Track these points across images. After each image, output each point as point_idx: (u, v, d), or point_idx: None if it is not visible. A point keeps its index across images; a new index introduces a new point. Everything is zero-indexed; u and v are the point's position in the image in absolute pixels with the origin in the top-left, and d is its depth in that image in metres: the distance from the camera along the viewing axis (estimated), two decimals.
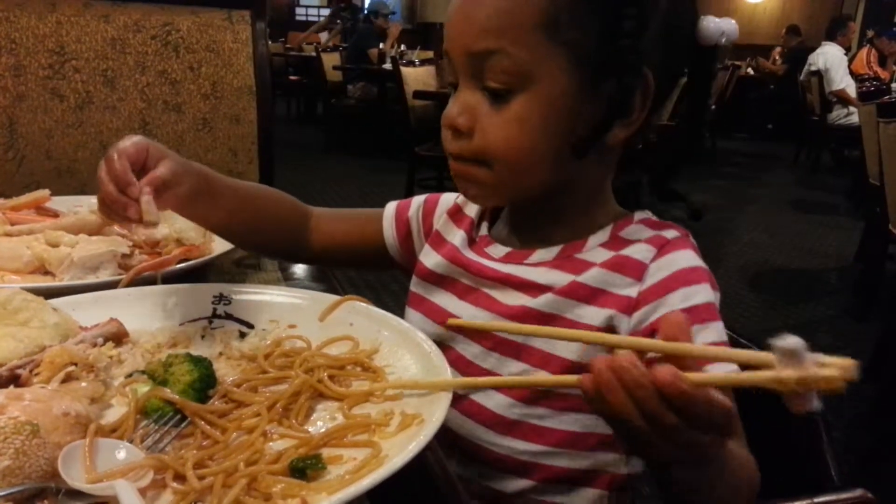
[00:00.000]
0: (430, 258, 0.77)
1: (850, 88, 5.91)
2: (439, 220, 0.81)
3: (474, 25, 0.63)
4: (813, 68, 6.45)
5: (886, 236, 2.77)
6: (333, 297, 0.72)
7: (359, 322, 0.69)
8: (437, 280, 0.76)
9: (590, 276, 0.66)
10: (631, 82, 0.62)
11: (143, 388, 0.57)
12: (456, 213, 0.80)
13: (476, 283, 0.72)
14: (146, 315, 0.70)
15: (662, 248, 0.66)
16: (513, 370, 0.67)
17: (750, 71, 8.68)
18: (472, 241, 0.76)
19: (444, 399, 0.53)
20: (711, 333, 0.62)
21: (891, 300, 3.13)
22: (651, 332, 0.63)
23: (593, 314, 0.65)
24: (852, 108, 5.78)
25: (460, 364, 0.70)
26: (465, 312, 0.71)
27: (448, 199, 0.83)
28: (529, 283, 0.69)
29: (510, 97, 0.63)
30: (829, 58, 6.26)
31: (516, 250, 0.72)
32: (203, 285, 0.74)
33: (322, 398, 0.58)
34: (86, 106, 1.42)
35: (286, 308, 0.72)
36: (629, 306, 0.64)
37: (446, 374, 0.58)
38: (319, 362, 0.61)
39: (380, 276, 3.61)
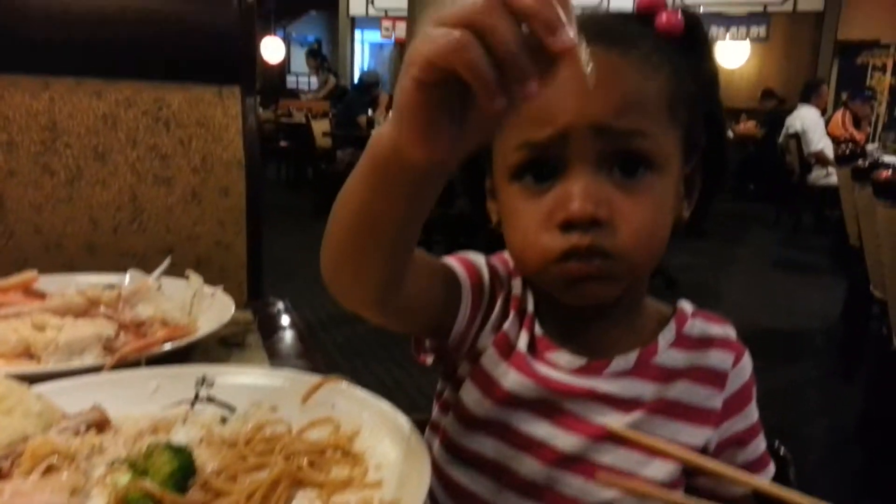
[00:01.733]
0: (507, 376, 0.66)
1: (828, 149, 6.06)
2: (501, 309, 0.68)
3: (611, 101, 0.57)
4: (791, 130, 6.63)
5: (868, 297, 2.81)
6: (316, 378, 0.73)
7: (340, 404, 0.70)
8: (517, 402, 0.66)
9: (678, 391, 0.67)
10: (700, 162, 0.66)
11: (124, 479, 0.57)
12: (517, 306, 0.68)
13: (554, 399, 0.65)
14: (129, 399, 0.70)
15: (738, 354, 0.70)
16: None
17: (730, 133, 8.89)
18: (532, 345, 0.67)
19: (423, 487, 0.54)
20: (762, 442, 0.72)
21: (875, 361, 3.15)
22: (736, 441, 0.69)
23: (691, 434, 0.66)
24: (831, 169, 5.92)
25: (524, 484, 0.66)
26: (557, 436, 0.65)
27: (504, 273, 0.70)
28: (615, 399, 0.65)
29: (641, 180, 0.59)
30: (807, 120, 6.44)
31: (592, 361, 0.66)
32: (186, 367, 0.75)
33: (302, 485, 0.59)
34: (76, 181, 1.45)
35: (268, 390, 0.72)
36: (718, 419, 0.68)
37: (425, 458, 0.59)
38: (299, 448, 0.61)
39: (364, 353, 3.60)
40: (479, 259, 0.70)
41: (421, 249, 0.59)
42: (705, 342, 0.70)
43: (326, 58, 8.96)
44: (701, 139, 0.65)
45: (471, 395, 0.67)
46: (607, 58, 0.59)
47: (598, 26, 0.61)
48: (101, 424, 0.66)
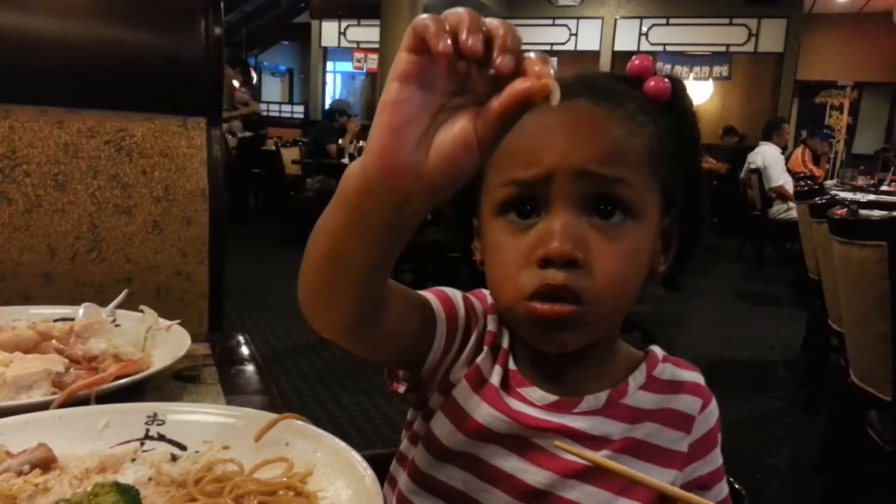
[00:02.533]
0: (478, 409, 0.67)
1: (789, 185, 6.23)
2: (475, 343, 0.69)
3: (596, 150, 0.60)
4: (752, 166, 6.80)
5: (827, 329, 2.87)
6: (270, 416, 0.72)
7: (294, 442, 0.69)
8: (488, 436, 0.67)
9: (645, 433, 0.68)
10: (677, 217, 0.68)
11: None
12: (492, 341, 0.69)
13: (524, 434, 0.67)
14: (77, 437, 0.69)
15: (706, 400, 0.72)
16: None
17: None
18: (505, 380, 0.68)
19: None
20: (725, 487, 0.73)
21: (834, 393, 3.21)
22: (699, 485, 0.71)
23: (657, 475, 0.66)
24: (791, 204, 6.08)
25: None
26: (526, 470, 0.66)
27: (480, 309, 0.71)
28: (585, 436, 0.66)
29: (619, 225, 0.61)
30: (767, 157, 6.62)
31: (563, 398, 0.67)
32: (137, 405, 0.74)
33: None
34: (34, 209, 1.42)
35: (221, 428, 0.71)
36: (683, 462, 0.69)
37: (378, 499, 0.58)
38: (250, 488, 0.60)
39: (331, 382, 3.57)
40: (455, 294, 0.71)
41: (395, 282, 0.61)
42: (675, 386, 0.71)
43: (252, 77, 8.21)
44: (678, 196, 0.67)
45: (442, 427, 0.68)
46: (595, 111, 0.62)
47: (588, 83, 0.66)
48: (46, 463, 0.64)
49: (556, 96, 0.42)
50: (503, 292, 0.65)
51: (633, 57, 0.68)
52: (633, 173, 0.62)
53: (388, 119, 0.44)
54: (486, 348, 0.69)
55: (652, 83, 0.66)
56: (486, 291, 0.72)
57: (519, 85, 0.42)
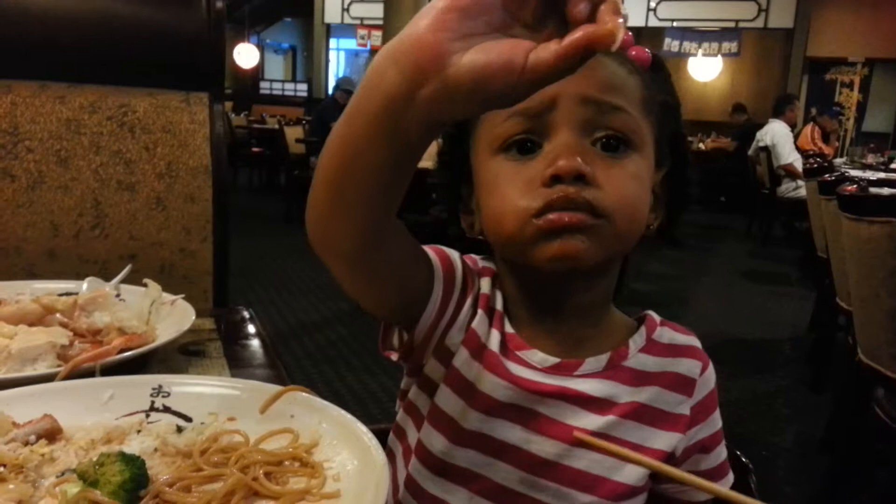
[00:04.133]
0: (481, 379, 0.66)
1: (798, 162, 6.18)
2: (471, 306, 0.68)
3: (598, 80, 0.62)
4: (761, 144, 6.75)
5: (835, 308, 2.86)
6: (275, 388, 0.72)
7: (300, 414, 0.69)
8: (493, 407, 0.66)
9: (650, 397, 0.68)
10: (665, 176, 0.69)
11: (74, 489, 0.56)
12: (486, 304, 0.69)
13: (528, 402, 0.66)
14: (82, 409, 0.69)
15: (704, 364, 0.72)
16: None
17: (701, 146, 9.04)
18: (503, 344, 0.68)
19: (380, 498, 0.53)
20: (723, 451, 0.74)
21: (842, 371, 3.20)
22: (701, 448, 0.71)
23: (661, 439, 0.67)
24: (800, 182, 6.04)
25: (497, 490, 0.67)
26: (532, 441, 0.66)
27: (473, 271, 0.70)
28: (587, 398, 0.66)
29: (622, 155, 0.63)
30: (776, 134, 6.56)
31: (564, 360, 0.67)
32: (142, 377, 0.73)
33: (258, 497, 0.57)
34: (37, 186, 1.42)
35: (226, 400, 0.71)
36: (686, 424, 0.69)
37: (384, 469, 0.58)
38: (256, 458, 0.60)
39: (335, 361, 3.58)
40: (453, 253, 0.70)
41: (401, 223, 0.59)
42: (674, 349, 0.71)
43: None
44: (666, 154, 0.69)
45: (449, 403, 0.67)
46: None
47: None
48: (52, 434, 0.64)
49: (616, 44, 0.41)
50: (506, 218, 0.62)
51: None
52: (631, 106, 0.63)
53: (450, 2, 0.43)
54: (480, 311, 0.68)
55: (634, 52, 0.67)
56: (476, 256, 0.72)
57: (585, 31, 0.40)
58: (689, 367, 0.71)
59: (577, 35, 0.41)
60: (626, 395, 0.67)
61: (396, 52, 0.45)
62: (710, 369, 0.73)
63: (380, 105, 0.46)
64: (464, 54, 0.43)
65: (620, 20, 0.40)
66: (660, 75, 0.69)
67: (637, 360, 0.69)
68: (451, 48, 0.43)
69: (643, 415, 0.67)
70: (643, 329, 0.71)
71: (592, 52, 0.41)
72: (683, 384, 0.70)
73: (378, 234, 0.56)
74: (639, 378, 0.68)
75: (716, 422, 0.73)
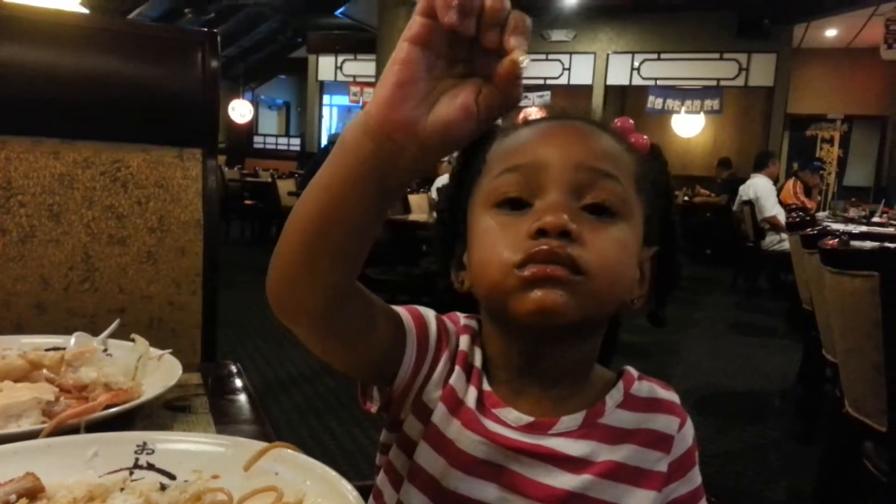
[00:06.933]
0: (459, 437, 0.66)
1: (781, 216, 6.27)
2: (447, 364, 0.69)
3: (594, 149, 0.65)
4: (744, 198, 6.86)
5: (822, 360, 2.87)
6: (260, 445, 0.72)
7: (284, 471, 0.69)
8: (470, 465, 0.66)
9: (628, 455, 0.67)
10: (654, 256, 0.71)
11: None
12: (464, 361, 0.69)
13: (504, 460, 0.66)
14: (66, 467, 0.68)
15: (682, 419, 0.72)
16: None
17: (686, 198, 9.18)
18: (480, 401, 0.68)
19: None
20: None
21: (830, 423, 3.19)
22: None
23: (637, 498, 0.67)
24: (784, 235, 6.11)
25: None
26: (507, 500, 0.65)
27: (451, 329, 0.71)
28: (563, 457, 0.66)
29: (610, 221, 0.64)
30: (759, 188, 6.67)
31: (539, 419, 0.67)
32: (126, 434, 0.73)
33: None
34: (28, 240, 1.43)
35: (211, 457, 0.71)
36: (662, 481, 0.69)
37: None
38: None
39: (323, 413, 3.54)
40: (427, 312, 0.71)
41: (365, 287, 0.62)
42: (652, 404, 0.71)
43: None
44: (655, 233, 0.70)
45: (429, 460, 0.67)
46: (590, 127, 0.69)
47: (583, 115, 0.72)
48: (33, 493, 0.63)
49: (524, 63, 0.47)
50: (491, 267, 0.63)
51: (615, 119, 0.74)
52: (623, 177, 0.65)
53: (396, 75, 0.48)
54: (457, 368, 0.69)
55: (634, 138, 0.71)
56: (459, 314, 0.74)
57: (502, 67, 0.47)
58: (666, 422, 0.71)
59: (501, 72, 0.47)
60: (603, 453, 0.67)
61: (369, 129, 0.50)
62: (689, 425, 0.73)
63: (361, 171, 0.52)
64: (427, 116, 0.49)
65: (523, 40, 0.47)
66: (656, 161, 0.72)
67: (614, 416, 0.69)
68: (415, 115, 0.49)
69: (620, 474, 0.67)
70: (621, 384, 0.71)
71: (518, 76, 0.47)
72: (661, 441, 0.70)
73: (346, 289, 0.58)
74: (616, 436, 0.68)
75: (695, 478, 0.72)
